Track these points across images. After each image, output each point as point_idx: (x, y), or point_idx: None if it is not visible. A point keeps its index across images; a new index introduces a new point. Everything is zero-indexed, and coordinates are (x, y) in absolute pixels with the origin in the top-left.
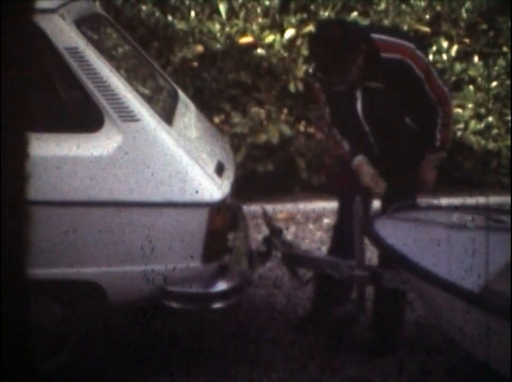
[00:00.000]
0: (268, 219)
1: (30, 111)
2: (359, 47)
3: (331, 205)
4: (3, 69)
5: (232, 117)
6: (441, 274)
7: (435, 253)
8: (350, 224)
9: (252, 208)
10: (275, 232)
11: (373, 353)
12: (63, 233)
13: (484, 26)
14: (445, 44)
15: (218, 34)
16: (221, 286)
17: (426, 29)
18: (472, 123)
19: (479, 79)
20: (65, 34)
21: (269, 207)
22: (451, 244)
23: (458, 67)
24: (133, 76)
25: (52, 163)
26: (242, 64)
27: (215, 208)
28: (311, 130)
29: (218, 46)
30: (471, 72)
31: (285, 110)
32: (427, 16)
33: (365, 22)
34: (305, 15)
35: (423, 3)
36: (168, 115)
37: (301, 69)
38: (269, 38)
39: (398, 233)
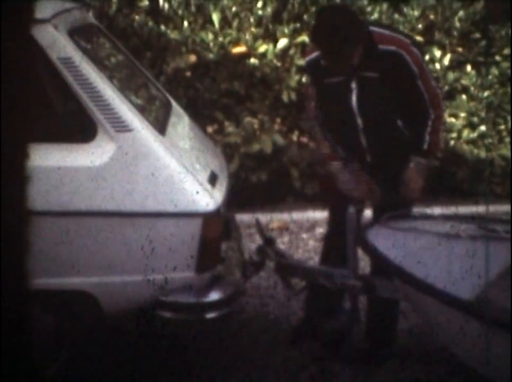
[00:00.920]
0: (261, 228)
1: (30, 122)
2: (361, 34)
3: (324, 214)
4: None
5: (226, 127)
6: (434, 283)
7: (429, 263)
8: (343, 234)
9: (245, 218)
10: (269, 241)
11: (366, 362)
12: (56, 243)
13: (477, 35)
14: (438, 53)
15: (211, 44)
16: (215, 296)
17: (419, 38)
18: (465, 132)
19: (472, 88)
20: (58, 44)
21: (262, 217)
22: (444, 254)
23: (451, 76)
24: (126, 86)
25: (46, 173)
26: (236, 74)
27: (208, 218)
28: (304, 139)
29: (211, 56)
30: (464, 81)
31: (278, 120)
32: (420, 25)
33: None
34: (298, 25)
35: (416, 13)
36: (161, 125)
37: (294, 79)
38: (262, 48)
39: (391, 242)
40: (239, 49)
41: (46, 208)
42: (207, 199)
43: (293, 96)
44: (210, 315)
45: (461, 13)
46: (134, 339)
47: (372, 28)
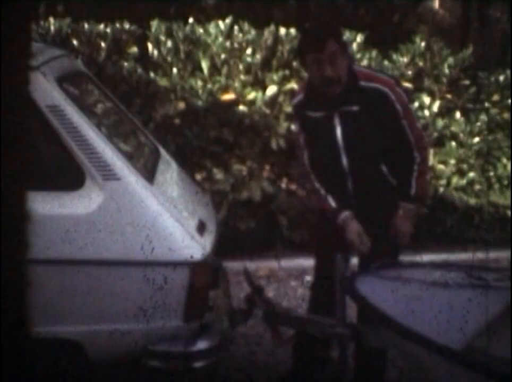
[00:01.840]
0: (249, 276)
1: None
2: (343, 45)
3: (313, 262)
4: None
5: (214, 174)
6: (423, 332)
7: (417, 311)
8: (330, 282)
9: (233, 265)
10: (257, 289)
11: None
12: (42, 291)
13: (466, 82)
14: (427, 100)
15: (200, 91)
16: (202, 344)
17: (408, 85)
18: (454, 179)
19: (461, 135)
20: (46, 92)
21: (251, 264)
22: (432, 302)
23: (440, 122)
24: (114, 133)
25: (33, 221)
26: (224, 121)
27: (196, 267)
28: (293, 187)
29: (200, 103)
30: (454, 128)
31: (267, 167)
32: (410, 72)
33: None
34: (287, 72)
35: (405, 59)
36: (149, 173)
37: (283, 126)
38: (251, 95)
39: (379, 291)
40: (228, 96)
41: (33, 257)
42: (195, 248)
43: (282, 143)
44: (198, 364)
45: (450, 60)
46: None
47: (357, 67)
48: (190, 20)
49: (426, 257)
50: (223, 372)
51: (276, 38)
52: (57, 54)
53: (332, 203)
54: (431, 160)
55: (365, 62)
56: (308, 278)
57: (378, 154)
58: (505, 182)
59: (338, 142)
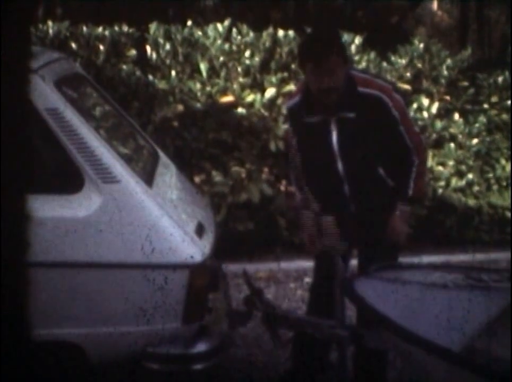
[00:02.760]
0: (248, 278)
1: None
2: (344, 54)
3: (312, 263)
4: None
5: (213, 176)
6: (422, 334)
7: (416, 313)
8: (329, 283)
9: (232, 268)
10: (256, 291)
11: None
12: (43, 294)
13: (465, 83)
14: (426, 101)
15: (199, 94)
16: (201, 347)
17: (407, 86)
18: (453, 181)
19: (460, 136)
20: (45, 95)
21: (250, 266)
22: (431, 304)
23: (438, 124)
24: (113, 136)
25: (32, 224)
26: (223, 123)
27: (195, 269)
28: (292, 189)
29: (199, 105)
30: (452, 129)
31: (266, 169)
32: (408, 74)
33: None
34: (285, 74)
35: (403, 61)
36: (148, 176)
37: (282, 128)
38: (250, 97)
39: (378, 292)
40: (227, 99)
41: (32, 260)
42: (194, 250)
43: (280, 145)
44: (197, 366)
45: (448, 61)
46: None
47: (354, 72)
48: (189, 23)
49: (426, 259)
50: (222, 374)
51: (275, 41)
52: (56, 57)
53: (315, 205)
54: (430, 162)
55: (363, 64)
56: (308, 279)
57: (375, 158)
58: (504, 183)
59: (334, 147)
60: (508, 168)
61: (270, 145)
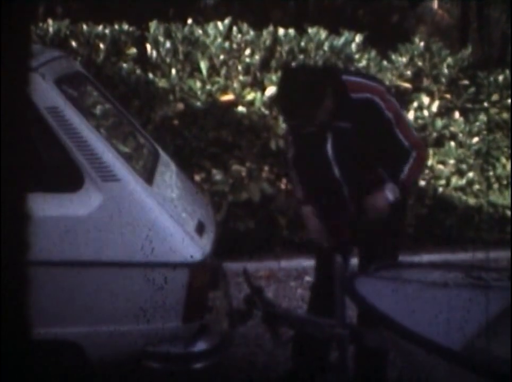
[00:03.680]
0: (249, 277)
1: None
2: (324, 92)
3: (312, 262)
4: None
5: (213, 175)
6: (422, 333)
7: (417, 312)
8: (330, 283)
9: (232, 266)
10: (256, 290)
11: None
12: (42, 292)
13: (465, 82)
14: (426, 100)
15: (199, 92)
16: (202, 345)
17: (407, 85)
18: (454, 179)
19: (461, 135)
20: (45, 93)
21: (250, 265)
22: (432, 303)
23: (439, 123)
24: (113, 135)
25: (33, 223)
26: (223, 122)
27: (195, 268)
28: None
29: (199, 104)
30: (453, 128)
31: (266, 168)
32: (409, 72)
33: None
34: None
35: (404, 59)
36: (148, 175)
37: (282, 127)
38: (250, 96)
39: (379, 291)
40: (227, 97)
41: (32, 258)
42: (194, 249)
43: (281, 144)
44: (197, 365)
45: (449, 60)
46: None
47: (345, 77)
48: (189, 21)
49: (426, 257)
50: (222, 373)
51: (275, 39)
52: (56, 55)
53: (299, 194)
54: (430, 160)
55: (363, 63)
56: (308, 278)
57: (373, 160)
58: (505, 182)
59: (329, 155)
60: (508, 167)
61: (270, 143)
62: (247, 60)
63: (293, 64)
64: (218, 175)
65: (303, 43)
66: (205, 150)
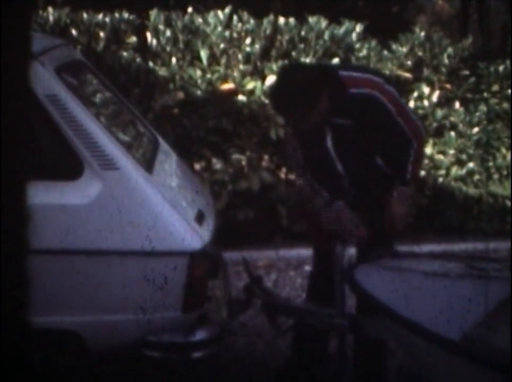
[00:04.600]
0: (248, 267)
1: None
2: (320, 91)
3: (312, 252)
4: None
5: (213, 164)
6: (421, 322)
7: (416, 302)
8: (328, 272)
9: (232, 256)
10: (256, 279)
11: None
12: (41, 281)
13: (466, 72)
14: (426, 90)
15: (199, 81)
16: (201, 335)
17: (407, 75)
18: (454, 170)
19: (461, 125)
20: (45, 81)
21: (249, 254)
22: (432, 293)
23: (439, 113)
24: (113, 123)
25: (32, 211)
26: (223, 111)
27: (195, 257)
28: (292, 177)
29: (199, 93)
30: (453, 118)
31: (266, 157)
32: (409, 62)
33: None
34: (286, 62)
35: (404, 49)
36: (148, 163)
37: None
38: (250, 85)
39: (378, 281)
40: (227, 86)
41: (31, 247)
42: (194, 237)
43: (281, 133)
44: (197, 354)
45: (449, 50)
46: (119, 379)
47: (342, 72)
48: (189, 10)
49: (425, 248)
50: (222, 362)
51: (276, 28)
52: (56, 44)
53: (325, 194)
54: (430, 150)
55: (364, 52)
56: (308, 268)
57: (373, 151)
58: (505, 173)
59: (330, 150)
60: (509, 157)
61: (270, 132)
62: (248, 49)
63: (291, 62)
64: (217, 164)
65: (303, 32)
66: (205, 139)
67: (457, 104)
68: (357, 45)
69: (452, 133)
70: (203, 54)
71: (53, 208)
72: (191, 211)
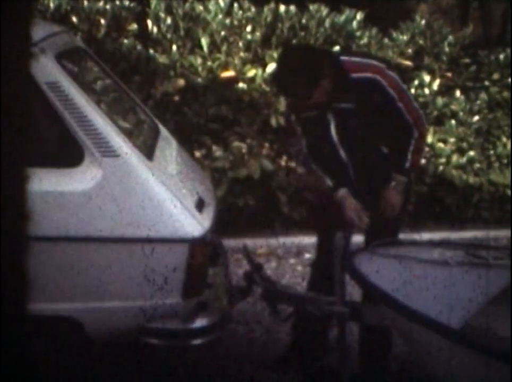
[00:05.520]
0: (248, 254)
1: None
2: (322, 71)
3: (312, 239)
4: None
5: (213, 151)
6: (421, 310)
7: (416, 290)
8: (330, 260)
9: (232, 243)
10: (256, 267)
11: None
12: (41, 268)
13: (466, 60)
14: (427, 78)
15: (200, 68)
16: (201, 322)
17: (408, 63)
18: (454, 158)
19: (461, 113)
20: (45, 68)
21: (250, 242)
22: (432, 281)
23: (440, 101)
24: (113, 110)
25: (32, 198)
26: (224, 98)
27: (195, 244)
28: (292, 164)
29: (200, 80)
30: (453, 106)
31: (266, 144)
32: (410, 50)
33: None
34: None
35: (405, 37)
36: (148, 150)
37: (283, 104)
38: (251, 72)
39: (378, 269)
40: (228, 74)
41: (31, 233)
42: (194, 224)
43: (281, 120)
44: (196, 341)
45: (450, 38)
46: (119, 366)
47: (344, 58)
48: None
49: (426, 236)
50: (222, 349)
51: (276, 16)
52: (56, 30)
53: (329, 182)
54: (431, 138)
55: (365, 40)
56: (308, 255)
57: (376, 139)
58: (505, 161)
59: (333, 137)
60: (509, 146)
61: (270, 120)
62: (248, 36)
63: (293, 42)
64: (218, 151)
65: (304, 20)
66: (205, 126)
67: (458, 93)
68: (358, 33)
69: (453, 121)
70: (204, 41)
71: (53, 195)
72: (191, 198)
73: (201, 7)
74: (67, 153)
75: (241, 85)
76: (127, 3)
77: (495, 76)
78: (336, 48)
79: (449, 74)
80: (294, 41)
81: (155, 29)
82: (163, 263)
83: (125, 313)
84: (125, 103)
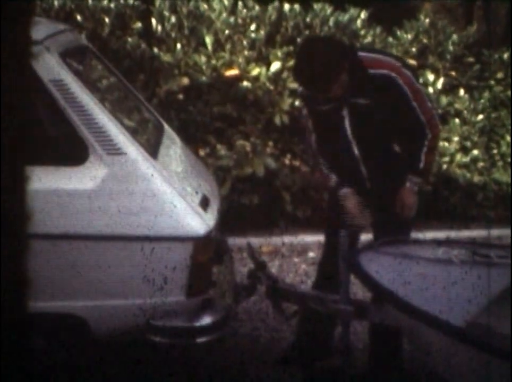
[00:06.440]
0: (253, 252)
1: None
2: (342, 64)
3: (316, 238)
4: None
5: (218, 150)
6: (426, 309)
7: (420, 288)
8: (336, 258)
9: (236, 241)
10: (260, 265)
11: None
12: (46, 266)
13: (471, 59)
14: (431, 77)
15: (204, 67)
16: (206, 320)
17: (412, 62)
18: (458, 157)
19: (465, 112)
20: (50, 66)
21: (254, 240)
22: (436, 279)
23: (444, 100)
24: (118, 109)
25: (36, 196)
26: (228, 97)
27: (199, 242)
28: (296, 163)
29: (204, 78)
30: (457, 105)
31: (270, 143)
32: (414, 49)
33: None
34: (291, 48)
35: (409, 36)
36: (153, 149)
37: (287, 102)
38: (255, 71)
39: (383, 267)
40: (232, 72)
41: (35, 231)
42: (198, 223)
43: (285, 119)
44: (201, 339)
45: (454, 37)
46: (124, 363)
47: (361, 53)
48: None
49: (429, 234)
50: (226, 347)
51: (281, 14)
52: (61, 28)
53: (333, 179)
54: None
55: (369, 39)
56: (312, 254)
57: (389, 137)
58: (509, 160)
59: (347, 132)
60: None
61: (274, 118)
62: (252, 35)
63: (312, 35)
64: (222, 150)
65: (308, 19)
66: (209, 125)
67: (462, 91)
68: (362, 32)
69: (457, 120)
70: (208, 40)
71: (58, 193)
72: (196, 196)
73: (205, 6)
74: (72, 151)
75: (245, 83)
76: (131, 1)
77: (499, 75)
78: None
79: (453, 73)
80: (298, 40)
81: (159, 28)
82: (168, 261)
83: (130, 310)
84: (129, 101)
